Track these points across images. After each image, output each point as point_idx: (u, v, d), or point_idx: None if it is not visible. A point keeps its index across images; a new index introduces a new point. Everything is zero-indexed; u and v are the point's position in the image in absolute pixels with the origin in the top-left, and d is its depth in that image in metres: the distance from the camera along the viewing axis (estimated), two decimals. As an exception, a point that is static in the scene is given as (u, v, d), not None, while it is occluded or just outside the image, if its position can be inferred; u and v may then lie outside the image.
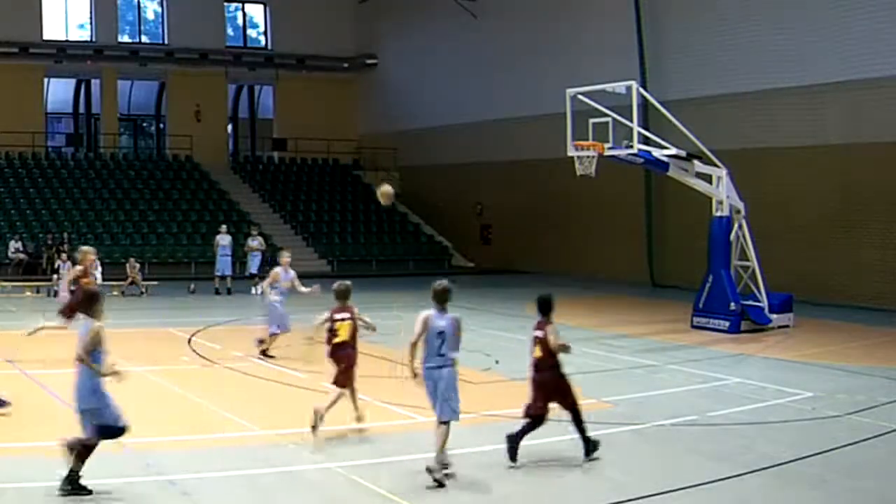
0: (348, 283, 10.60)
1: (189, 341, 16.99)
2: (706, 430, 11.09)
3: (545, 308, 9.81)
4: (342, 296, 10.95)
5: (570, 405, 9.81)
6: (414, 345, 9.17)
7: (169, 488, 8.41)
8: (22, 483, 8.42)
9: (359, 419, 10.90)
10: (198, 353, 15.77)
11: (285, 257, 16.62)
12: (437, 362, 9.13)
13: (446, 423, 9.10)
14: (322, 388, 13.03)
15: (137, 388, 13.21)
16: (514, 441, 9.50)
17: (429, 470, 8.78)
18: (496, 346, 16.96)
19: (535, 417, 9.63)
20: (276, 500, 8.38)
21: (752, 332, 19.20)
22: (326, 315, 10.89)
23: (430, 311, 9.23)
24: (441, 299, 9.29)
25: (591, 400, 12.61)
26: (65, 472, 8.12)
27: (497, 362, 15.30)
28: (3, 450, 9.44)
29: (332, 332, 10.81)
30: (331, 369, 10.87)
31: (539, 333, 9.73)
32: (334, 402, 10.59)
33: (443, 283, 9.42)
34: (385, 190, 14.35)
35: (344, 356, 10.82)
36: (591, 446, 9.77)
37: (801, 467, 9.49)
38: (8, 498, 8.03)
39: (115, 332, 18.87)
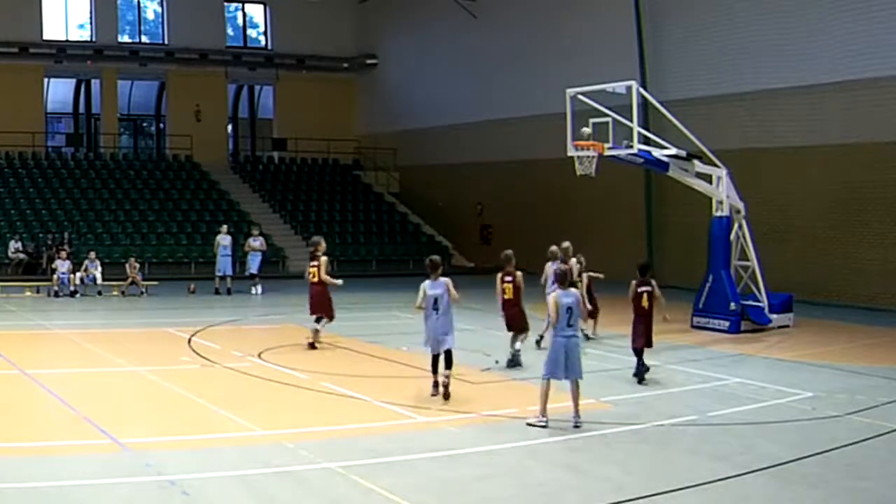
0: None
1: (189, 341, 16.99)
2: (706, 430, 11.09)
3: (645, 270, 14.10)
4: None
5: (649, 342, 13.89)
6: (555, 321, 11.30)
7: (169, 488, 8.40)
8: (23, 483, 8.42)
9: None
10: (198, 353, 15.77)
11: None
12: (570, 332, 11.13)
13: (577, 381, 11.16)
14: (322, 388, 13.07)
15: (137, 388, 13.25)
16: (639, 370, 13.76)
17: (576, 426, 10.88)
18: (496, 346, 16.94)
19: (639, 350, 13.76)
20: (276, 501, 8.37)
21: (752, 332, 19.19)
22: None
23: (558, 292, 11.28)
24: (564, 280, 11.38)
25: (591, 400, 12.61)
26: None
27: (497, 362, 15.30)
28: (3, 450, 9.44)
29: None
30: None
31: (648, 288, 13.88)
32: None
33: (563, 266, 11.87)
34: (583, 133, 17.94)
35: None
36: (642, 371, 13.69)
37: (801, 467, 9.48)
38: (8, 498, 8.03)
39: (116, 332, 19.00)
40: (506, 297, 15.02)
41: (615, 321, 19.23)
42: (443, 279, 12.51)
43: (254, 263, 27.19)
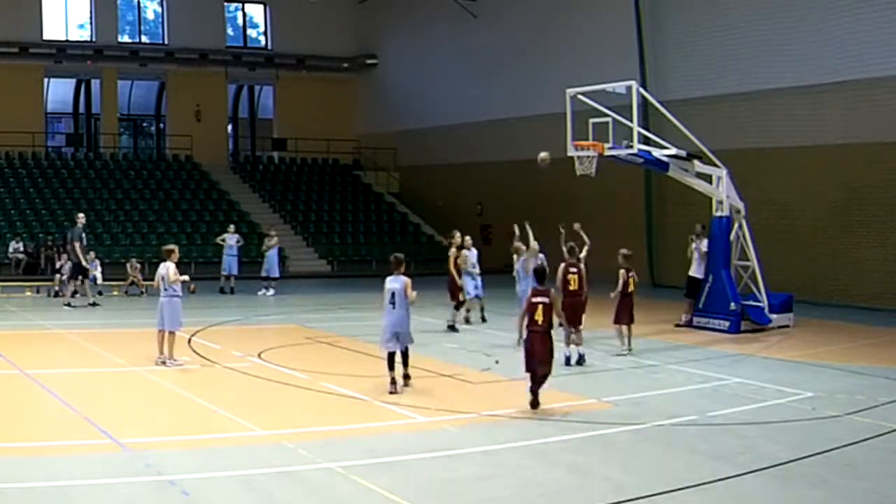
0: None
1: (189, 341, 16.97)
2: (706, 430, 11.08)
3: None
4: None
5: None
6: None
7: (169, 488, 8.40)
8: (23, 483, 8.42)
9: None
10: (198, 353, 15.76)
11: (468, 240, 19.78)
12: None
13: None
14: (322, 388, 13.08)
15: (137, 388, 13.25)
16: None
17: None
18: (496, 347, 16.96)
19: None
20: (276, 501, 8.37)
21: (752, 332, 19.18)
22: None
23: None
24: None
25: (591, 400, 12.63)
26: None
27: (497, 362, 15.30)
28: (3, 450, 9.44)
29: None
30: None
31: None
32: None
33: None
34: (543, 157, 18.83)
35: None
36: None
37: (801, 467, 9.48)
38: (8, 498, 8.03)
39: (116, 332, 19.00)
40: (571, 287, 15.42)
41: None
42: (403, 277, 12.91)
43: (272, 265, 27.18)
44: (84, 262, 22.90)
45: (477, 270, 19.96)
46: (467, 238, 20.18)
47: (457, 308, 19.28)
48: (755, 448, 10.23)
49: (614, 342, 16.62)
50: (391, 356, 12.79)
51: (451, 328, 18.91)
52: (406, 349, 12.96)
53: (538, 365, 11.72)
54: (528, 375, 11.85)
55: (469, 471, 9.35)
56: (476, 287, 19.88)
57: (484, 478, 9.12)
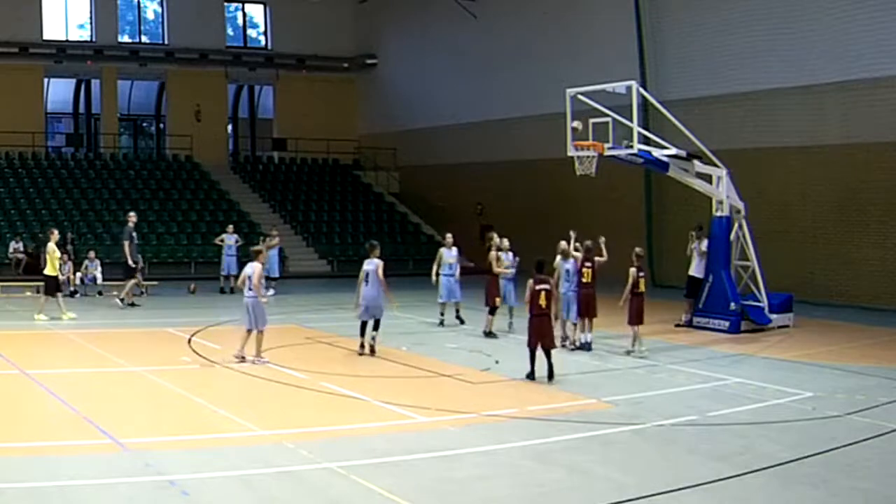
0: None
1: (189, 341, 16.98)
2: (706, 430, 11.09)
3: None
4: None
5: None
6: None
7: (169, 488, 8.40)
8: (23, 483, 8.42)
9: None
10: (198, 353, 15.76)
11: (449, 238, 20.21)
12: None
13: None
14: (322, 388, 13.08)
15: (137, 388, 13.25)
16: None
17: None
18: (496, 346, 16.96)
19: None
20: (276, 501, 8.37)
21: (752, 332, 19.19)
22: None
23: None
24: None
25: (591, 400, 12.63)
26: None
27: (497, 362, 15.31)
28: (3, 450, 9.44)
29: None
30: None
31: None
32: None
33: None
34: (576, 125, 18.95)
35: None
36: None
37: (801, 467, 9.48)
38: (8, 498, 8.03)
39: (116, 332, 18.99)
40: (584, 280, 16.38)
41: (615, 321, 19.21)
42: (377, 260, 15.60)
43: (273, 265, 27.17)
44: (132, 262, 22.94)
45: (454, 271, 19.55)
46: (448, 236, 20.13)
47: (491, 313, 18.30)
48: (755, 448, 10.23)
49: (625, 343, 16.63)
50: (363, 325, 15.55)
51: (489, 335, 18.07)
52: (377, 320, 15.51)
53: (543, 341, 13.38)
54: (528, 353, 13.57)
55: (469, 471, 9.35)
56: (449, 291, 19.41)
57: (484, 478, 9.13)
